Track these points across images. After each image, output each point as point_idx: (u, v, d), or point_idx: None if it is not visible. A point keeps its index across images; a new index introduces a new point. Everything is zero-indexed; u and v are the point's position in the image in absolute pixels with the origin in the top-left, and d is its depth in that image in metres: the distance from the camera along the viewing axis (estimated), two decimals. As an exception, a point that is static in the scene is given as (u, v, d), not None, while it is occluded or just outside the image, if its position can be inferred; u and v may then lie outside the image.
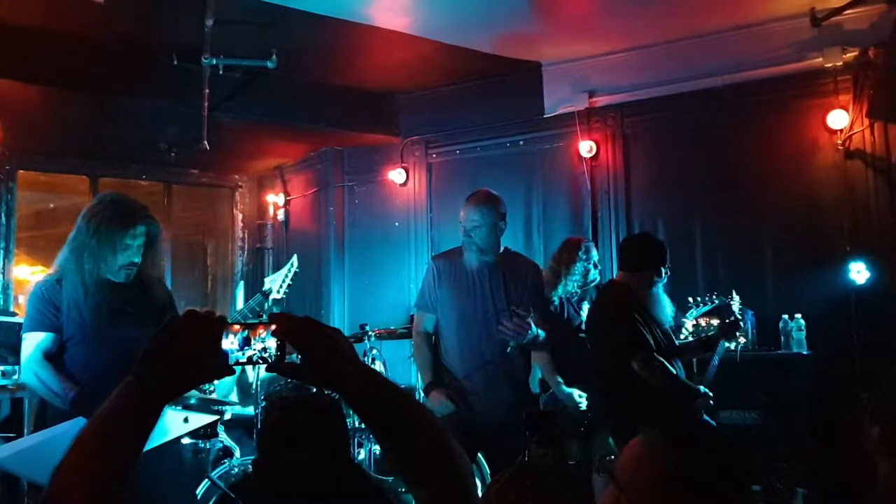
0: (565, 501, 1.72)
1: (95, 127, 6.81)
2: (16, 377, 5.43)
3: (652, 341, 4.26)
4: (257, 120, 6.89)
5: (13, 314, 6.07)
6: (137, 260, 3.60)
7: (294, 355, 1.48)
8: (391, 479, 5.68)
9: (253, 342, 1.48)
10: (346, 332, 6.72)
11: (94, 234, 3.55)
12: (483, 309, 4.16)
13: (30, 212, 8.79)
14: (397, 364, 5.96)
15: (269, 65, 5.85)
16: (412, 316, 6.71)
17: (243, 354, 1.46)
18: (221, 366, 1.45)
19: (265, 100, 6.63)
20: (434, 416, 1.54)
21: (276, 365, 1.47)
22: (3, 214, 7.00)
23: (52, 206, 9.11)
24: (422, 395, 4.43)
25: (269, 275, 8.41)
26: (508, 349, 4.06)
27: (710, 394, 4.33)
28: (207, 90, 5.89)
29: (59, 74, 5.80)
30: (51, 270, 3.67)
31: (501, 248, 4.28)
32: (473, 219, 4.15)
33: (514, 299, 4.14)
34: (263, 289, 4.18)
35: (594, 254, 5.31)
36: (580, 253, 5.17)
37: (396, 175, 7.52)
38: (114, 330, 3.53)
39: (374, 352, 5.65)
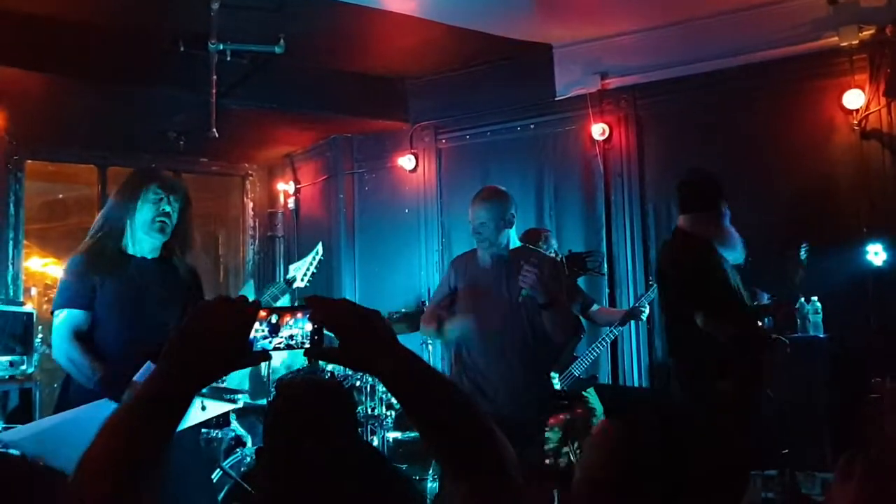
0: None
1: (103, 116, 6.78)
2: (24, 367, 5.43)
3: (720, 290, 4.02)
4: (266, 107, 6.87)
5: (21, 304, 6.06)
6: (168, 209, 3.57)
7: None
8: (405, 466, 5.67)
9: (282, 329, 1.43)
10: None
11: (119, 198, 3.62)
12: (498, 302, 4.13)
13: (40, 203, 8.80)
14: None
15: (277, 50, 5.81)
16: (423, 303, 6.73)
17: (270, 342, 1.41)
18: (254, 352, 1.41)
19: (273, 86, 6.59)
20: (478, 405, 1.47)
21: (312, 350, 1.42)
22: (11, 204, 6.97)
23: (61, 196, 9.12)
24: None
25: (280, 263, 8.49)
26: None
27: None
28: (215, 77, 5.84)
29: (66, 63, 5.78)
30: (84, 245, 3.63)
31: (517, 245, 4.29)
32: (480, 215, 4.17)
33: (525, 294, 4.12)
34: (287, 276, 4.12)
35: (554, 243, 5.39)
36: (541, 244, 5.16)
37: (406, 161, 7.47)
38: (141, 307, 3.54)
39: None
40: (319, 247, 4.16)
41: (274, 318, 1.42)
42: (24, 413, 5.33)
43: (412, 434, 5.85)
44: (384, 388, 5.54)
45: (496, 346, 4.11)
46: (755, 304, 4.71)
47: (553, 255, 5.10)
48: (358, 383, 5.54)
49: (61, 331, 3.50)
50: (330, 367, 5.59)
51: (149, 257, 3.64)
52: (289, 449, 1.99)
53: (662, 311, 4.51)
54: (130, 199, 3.58)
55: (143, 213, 3.55)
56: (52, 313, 3.59)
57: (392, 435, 5.67)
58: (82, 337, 3.49)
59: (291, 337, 1.43)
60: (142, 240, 3.61)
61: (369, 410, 5.50)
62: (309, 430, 1.99)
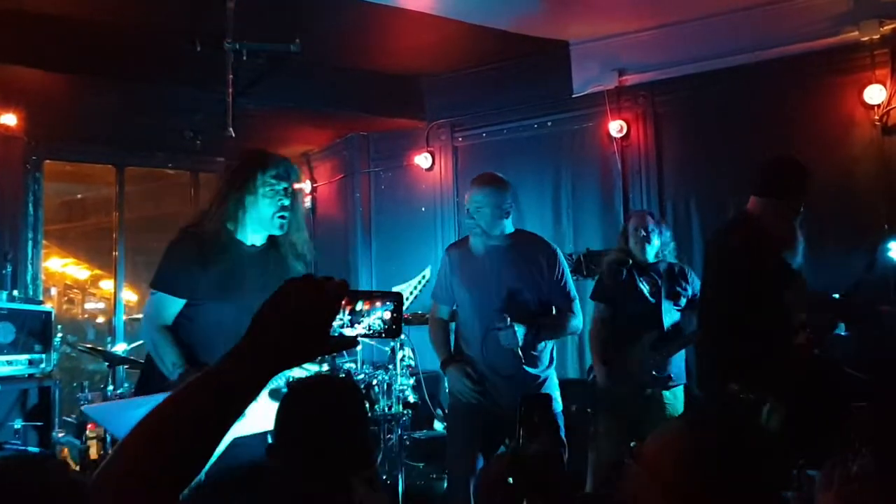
0: (560, 484, 1.67)
1: (120, 115, 6.81)
2: (43, 366, 5.45)
3: (765, 294, 3.67)
4: (282, 106, 6.87)
5: (41, 303, 6.09)
6: (287, 203, 3.40)
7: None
8: (422, 465, 5.66)
9: (363, 316, 1.37)
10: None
11: (231, 186, 3.41)
12: (497, 294, 4.07)
13: (59, 203, 8.85)
14: (427, 349, 5.92)
15: (293, 49, 5.79)
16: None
17: (351, 329, 1.36)
18: (339, 338, 1.34)
19: (290, 86, 6.59)
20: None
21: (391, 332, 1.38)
22: (30, 205, 7.01)
23: (79, 196, 9.17)
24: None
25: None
26: (518, 359, 3.97)
27: None
28: (231, 76, 5.84)
29: (82, 62, 5.80)
30: (192, 229, 3.41)
31: (513, 230, 4.19)
32: (476, 199, 4.07)
33: (528, 280, 4.07)
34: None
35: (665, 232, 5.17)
36: (642, 230, 5.01)
37: (422, 160, 7.46)
38: (242, 296, 3.30)
39: (404, 337, 5.60)
40: (427, 271, 3.97)
41: (358, 305, 1.38)
42: (43, 412, 5.36)
43: (430, 433, 5.84)
44: (400, 387, 5.54)
45: (491, 339, 4.04)
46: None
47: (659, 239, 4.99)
48: (374, 382, 5.52)
49: (152, 314, 3.38)
50: (347, 366, 5.59)
51: (258, 245, 3.48)
52: (300, 448, 1.99)
53: (701, 298, 4.25)
54: (244, 189, 3.37)
55: (262, 207, 3.37)
56: (150, 287, 3.41)
57: (409, 434, 5.65)
58: (171, 323, 3.36)
59: (369, 326, 1.38)
60: (256, 230, 3.44)
61: (386, 409, 5.48)
62: (319, 430, 1.99)
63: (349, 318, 1.36)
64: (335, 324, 1.33)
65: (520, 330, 3.90)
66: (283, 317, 1.26)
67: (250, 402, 1.24)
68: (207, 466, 3.35)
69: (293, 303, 1.27)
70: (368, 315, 1.38)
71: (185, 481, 1.19)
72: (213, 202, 3.45)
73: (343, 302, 1.35)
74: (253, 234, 3.45)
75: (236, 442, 3.12)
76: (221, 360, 1.25)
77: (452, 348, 4.30)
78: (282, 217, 3.40)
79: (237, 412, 1.23)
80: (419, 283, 3.80)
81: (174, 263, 3.37)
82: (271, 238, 3.49)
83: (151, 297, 3.40)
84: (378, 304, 1.38)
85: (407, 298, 3.80)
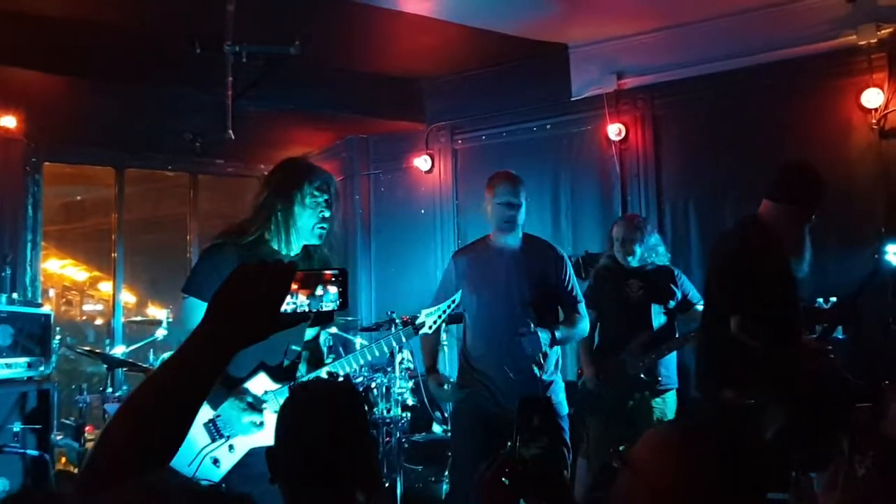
0: (556, 486, 1.68)
1: (120, 117, 6.82)
2: (42, 368, 5.44)
3: (768, 299, 3.66)
4: (281, 108, 6.88)
5: (39, 305, 6.08)
6: (328, 214, 3.40)
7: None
8: (421, 467, 5.65)
9: (314, 293, 1.47)
10: (374, 320, 6.70)
11: (275, 196, 3.39)
12: (508, 297, 4.08)
13: (58, 205, 8.84)
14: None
15: (292, 51, 5.80)
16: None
17: (302, 306, 1.46)
18: (292, 313, 1.44)
19: (289, 87, 6.59)
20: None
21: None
22: (29, 206, 7.00)
23: (79, 198, 9.17)
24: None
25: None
26: (535, 368, 3.98)
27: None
28: (231, 78, 5.84)
29: (83, 65, 5.81)
30: (235, 238, 3.36)
31: (521, 234, 4.23)
32: (514, 195, 4.09)
33: (537, 285, 4.07)
34: (416, 321, 3.89)
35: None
36: (637, 233, 5.05)
37: (422, 162, 7.47)
38: None
39: (404, 340, 5.58)
40: (458, 295, 3.94)
41: (306, 283, 1.47)
42: (42, 414, 5.35)
43: (429, 436, 5.83)
44: (399, 390, 5.54)
45: (503, 345, 4.05)
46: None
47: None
48: (373, 385, 5.52)
49: (182, 318, 3.39)
50: (346, 369, 5.59)
51: (292, 255, 3.46)
52: (302, 453, 1.98)
53: (704, 304, 4.24)
54: (292, 200, 3.37)
55: (305, 218, 3.37)
56: (182, 291, 3.36)
57: (408, 437, 5.65)
58: None
59: (320, 299, 1.48)
60: (295, 241, 3.43)
61: (385, 412, 5.48)
62: (323, 434, 1.99)
63: (308, 301, 1.47)
64: (289, 307, 1.44)
65: (544, 335, 3.92)
66: (237, 299, 1.35)
67: (215, 378, 1.35)
68: (224, 473, 3.33)
69: (246, 286, 1.36)
70: (321, 295, 1.48)
71: (166, 455, 1.28)
72: (255, 212, 3.43)
73: (295, 284, 1.45)
74: (290, 244, 3.44)
75: (253, 451, 3.14)
76: (185, 342, 1.35)
77: (458, 352, 4.33)
78: (322, 228, 3.41)
79: (204, 389, 1.33)
80: (448, 306, 3.77)
81: (208, 269, 3.33)
82: (305, 250, 3.48)
83: (183, 301, 3.38)
84: (328, 284, 1.49)
85: (436, 322, 3.77)
